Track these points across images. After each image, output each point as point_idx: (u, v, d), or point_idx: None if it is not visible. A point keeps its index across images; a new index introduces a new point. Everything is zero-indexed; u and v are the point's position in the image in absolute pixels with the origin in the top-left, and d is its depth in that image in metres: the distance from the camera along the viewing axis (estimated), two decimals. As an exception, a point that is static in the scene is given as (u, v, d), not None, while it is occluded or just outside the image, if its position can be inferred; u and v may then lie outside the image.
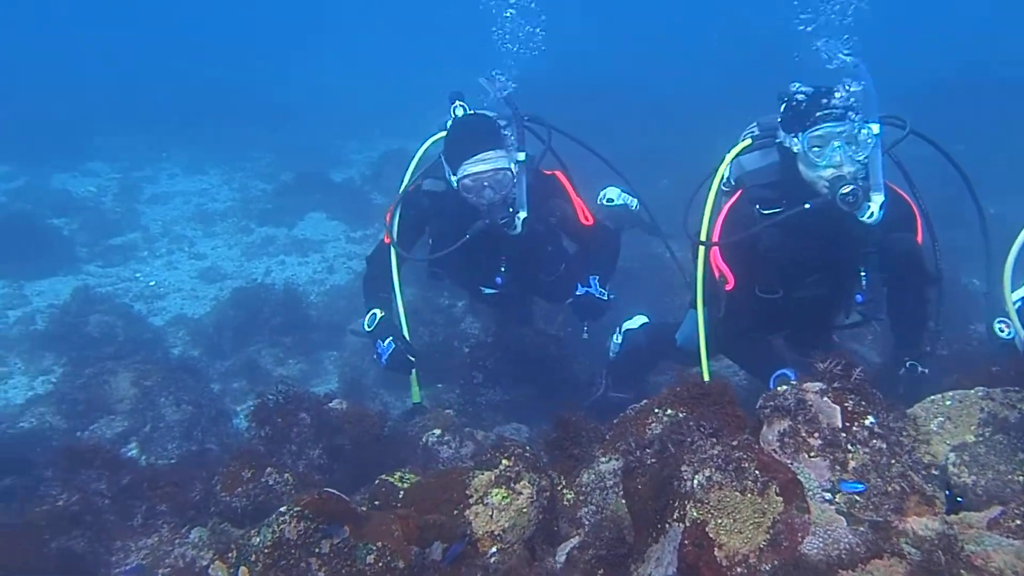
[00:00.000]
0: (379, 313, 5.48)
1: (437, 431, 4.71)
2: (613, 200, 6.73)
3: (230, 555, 2.56)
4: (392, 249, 5.55)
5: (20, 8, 29.22)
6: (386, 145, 15.69)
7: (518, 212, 5.23)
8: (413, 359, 5.41)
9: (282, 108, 17.96)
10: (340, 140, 16.87)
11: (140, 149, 15.59)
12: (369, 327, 5.49)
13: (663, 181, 12.01)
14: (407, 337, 5.49)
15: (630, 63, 19.28)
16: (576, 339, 6.56)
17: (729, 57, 18.64)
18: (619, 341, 6.14)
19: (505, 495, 2.86)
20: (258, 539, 2.56)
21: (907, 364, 4.42)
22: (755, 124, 4.86)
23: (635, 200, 6.70)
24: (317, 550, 2.55)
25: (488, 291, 5.95)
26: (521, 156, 5.26)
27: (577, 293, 5.84)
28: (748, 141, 4.76)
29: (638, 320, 6.20)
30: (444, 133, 5.60)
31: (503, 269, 5.72)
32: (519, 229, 5.25)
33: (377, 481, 3.24)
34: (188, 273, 10.50)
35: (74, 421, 6.18)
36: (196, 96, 18.13)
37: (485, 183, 5.12)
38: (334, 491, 2.68)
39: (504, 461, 2.97)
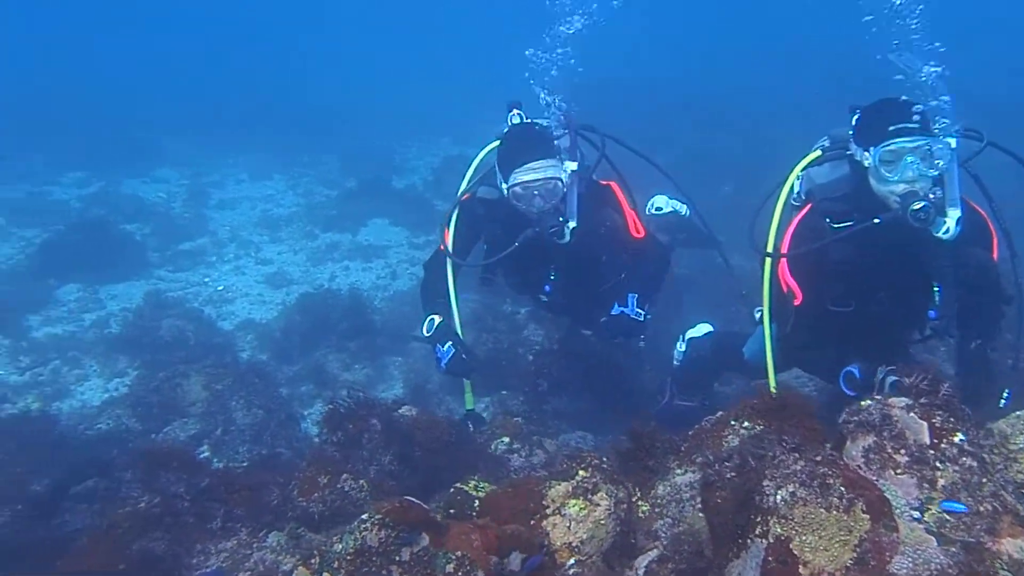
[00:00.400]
0: (437, 319, 5.53)
1: (506, 439, 4.73)
2: (662, 208, 6.69)
3: (313, 561, 2.60)
4: (447, 255, 5.60)
5: (92, 20, 29.97)
6: (446, 151, 15.85)
7: (568, 222, 5.24)
8: (471, 363, 5.44)
9: (345, 114, 18.19)
10: (402, 146, 17.07)
11: (208, 155, 15.92)
12: (428, 332, 5.53)
13: (724, 187, 11.96)
14: (464, 342, 5.51)
15: (687, 66, 19.19)
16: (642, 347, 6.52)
17: (792, 62, 18.43)
18: (683, 349, 6.10)
19: (583, 506, 2.86)
20: (340, 546, 2.59)
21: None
22: (826, 137, 4.80)
23: (685, 206, 6.66)
24: (398, 558, 2.57)
25: (542, 298, 5.98)
26: (572, 166, 5.27)
27: (612, 312, 5.73)
28: (817, 153, 4.70)
29: (702, 328, 6.14)
30: (497, 143, 5.65)
31: (552, 277, 5.73)
32: (567, 238, 5.26)
33: (452, 489, 3.25)
34: (255, 278, 10.68)
35: (149, 423, 6.30)
36: (261, 102, 18.45)
37: (535, 192, 5.15)
38: (414, 499, 2.71)
39: (581, 472, 2.97)
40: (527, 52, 5.90)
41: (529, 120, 5.64)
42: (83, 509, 4.08)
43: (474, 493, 3.24)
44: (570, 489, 2.92)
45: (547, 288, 5.80)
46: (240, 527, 3.60)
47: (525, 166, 5.12)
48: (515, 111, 5.67)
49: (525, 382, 6.45)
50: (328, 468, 3.60)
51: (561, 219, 5.21)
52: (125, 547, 3.47)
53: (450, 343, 5.39)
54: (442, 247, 5.66)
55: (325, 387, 7.61)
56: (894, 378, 3.49)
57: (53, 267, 10.27)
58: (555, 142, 5.33)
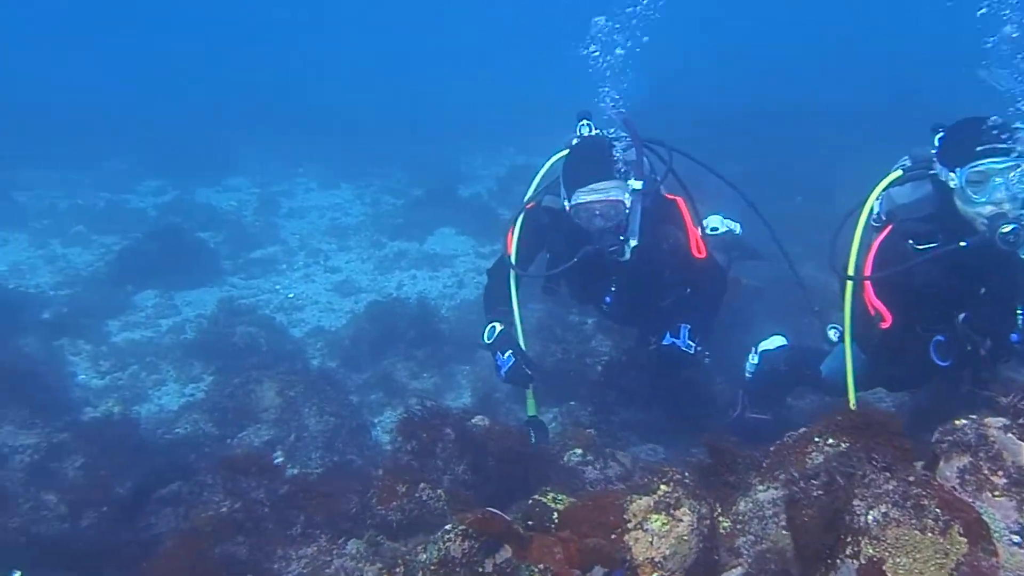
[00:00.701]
0: (498, 326, 5.51)
1: (579, 450, 4.72)
2: (717, 229, 6.63)
3: (397, 570, 2.62)
4: (510, 264, 5.60)
5: (168, 35, 30.73)
6: (511, 160, 15.90)
7: (628, 240, 5.22)
8: (531, 373, 5.43)
9: (411, 123, 18.34)
10: (467, 155, 17.19)
11: (277, 164, 16.20)
12: (488, 340, 5.53)
13: (796, 198, 11.80)
14: (525, 350, 5.49)
15: (748, 80, 19.03)
16: (713, 357, 6.45)
17: (856, 75, 18.21)
18: (755, 362, 6.03)
19: (665, 521, 2.85)
20: (424, 556, 2.61)
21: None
22: (906, 157, 4.70)
23: (738, 225, 6.60)
24: (481, 569, 2.59)
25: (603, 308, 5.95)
26: (637, 185, 5.21)
27: (663, 342, 5.60)
28: (898, 173, 4.61)
29: (775, 341, 6.07)
30: (564, 152, 5.64)
31: (613, 289, 5.69)
32: (627, 256, 5.24)
33: (530, 501, 3.26)
34: (324, 286, 10.81)
35: (224, 428, 6.43)
36: (329, 112, 18.72)
37: (596, 212, 5.12)
38: (496, 511, 2.72)
39: (662, 487, 2.96)
40: (592, 50, 5.91)
41: (597, 131, 5.62)
42: (167, 512, 4.18)
43: (552, 505, 3.24)
44: (652, 504, 2.91)
45: (608, 299, 5.78)
46: (320, 533, 3.66)
47: (588, 187, 5.09)
48: (585, 121, 5.66)
49: (593, 393, 6.44)
50: (406, 477, 3.64)
51: (622, 238, 5.20)
52: (208, 551, 3.54)
53: (510, 352, 5.38)
54: (505, 254, 5.68)
55: (394, 395, 7.68)
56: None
57: (131, 274, 10.54)
58: (621, 158, 5.28)
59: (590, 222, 5.15)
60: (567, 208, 5.22)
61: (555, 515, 3.17)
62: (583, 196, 5.10)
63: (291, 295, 10.45)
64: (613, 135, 5.65)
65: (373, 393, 7.71)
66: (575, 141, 5.61)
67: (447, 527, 2.64)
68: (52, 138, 15.41)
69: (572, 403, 6.67)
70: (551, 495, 3.31)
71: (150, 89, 21.17)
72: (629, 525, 2.89)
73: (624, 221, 5.21)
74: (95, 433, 5.94)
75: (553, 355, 7.15)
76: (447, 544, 2.60)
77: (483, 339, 5.59)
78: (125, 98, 19.75)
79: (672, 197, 5.65)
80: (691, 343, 5.55)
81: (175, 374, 8.33)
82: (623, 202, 5.12)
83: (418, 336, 8.31)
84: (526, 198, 5.80)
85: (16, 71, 22.45)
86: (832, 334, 4.87)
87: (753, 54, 23.38)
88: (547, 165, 5.82)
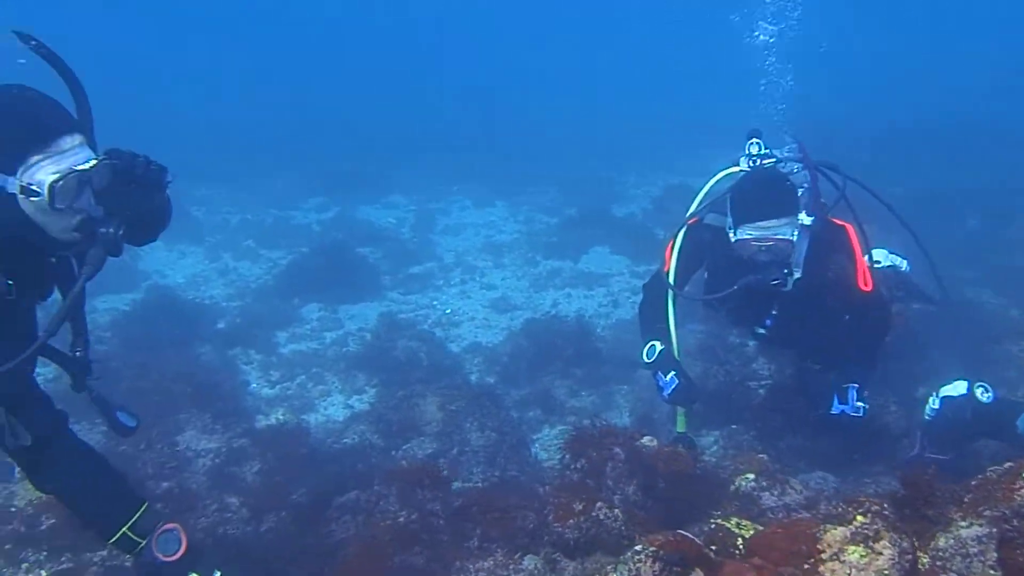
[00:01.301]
0: (658, 345, 5.41)
1: (751, 475, 4.60)
2: (880, 262, 6.30)
3: (588, 589, 2.61)
4: (667, 283, 5.49)
5: (325, 58, 31.98)
6: (666, 180, 15.75)
7: (792, 272, 5.06)
8: (695, 393, 5.33)
9: (564, 143, 18.45)
10: (620, 175, 17.14)
11: (433, 183, 16.59)
12: (648, 358, 5.44)
13: (970, 221, 11.26)
14: (686, 371, 5.39)
15: (922, 94, 18.27)
16: (883, 386, 6.19)
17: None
18: (936, 406, 5.71)
19: (864, 554, 2.73)
20: (615, 575, 2.60)
21: None
22: None
23: (905, 261, 6.28)
24: (671, 593, 2.55)
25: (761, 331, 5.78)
26: (807, 221, 5.07)
27: (832, 411, 5.41)
28: None
29: (958, 387, 5.68)
30: (735, 169, 5.52)
31: (773, 313, 5.54)
32: (789, 288, 5.09)
33: (713, 525, 3.20)
34: (480, 303, 10.98)
35: (389, 440, 6.58)
36: (483, 131, 19.06)
37: (762, 248, 4.99)
38: (687, 533, 2.68)
39: (859, 517, 2.84)
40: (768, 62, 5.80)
41: (767, 150, 5.49)
42: (347, 520, 4.30)
43: (736, 531, 3.18)
44: (848, 535, 2.80)
45: (768, 322, 5.62)
46: (496, 548, 3.68)
47: (756, 223, 4.96)
48: (755, 140, 5.53)
49: (757, 417, 6.28)
50: (583, 495, 3.62)
51: (785, 271, 5.04)
52: (388, 559, 3.62)
53: (673, 372, 5.29)
54: (663, 270, 5.58)
55: (552, 413, 7.70)
56: None
57: (297, 287, 11.01)
58: (794, 189, 5.14)
59: (754, 256, 5.04)
60: (731, 238, 5.11)
61: (739, 541, 3.10)
62: (750, 231, 4.98)
63: (448, 311, 10.65)
64: (784, 156, 5.52)
65: (531, 410, 7.74)
66: (744, 161, 5.50)
67: (637, 547, 2.62)
68: (223, 156, 16.26)
69: (734, 427, 6.53)
70: (734, 520, 3.25)
71: (314, 110, 22.10)
72: (824, 556, 2.78)
73: (790, 255, 5.07)
74: (270, 440, 6.18)
75: (715, 377, 7.01)
76: (637, 565, 2.58)
77: (642, 357, 5.51)
78: (289, 119, 20.65)
79: (841, 223, 5.44)
80: (860, 404, 5.36)
81: (340, 385, 8.61)
82: (791, 241, 4.98)
83: (576, 354, 8.32)
84: (689, 213, 5.72)
85: (189, 93, 23.77)
86: (980, 393, 4.64)
87: (914, 67, 22.46)
88: (712, 182, 5.70)
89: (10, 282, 3.05)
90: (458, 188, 16.46)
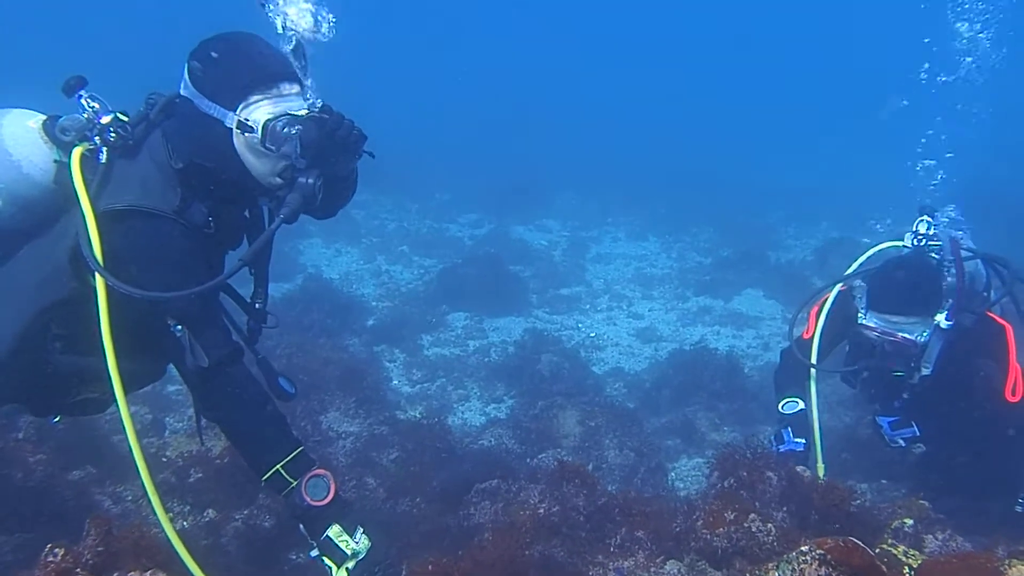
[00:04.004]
0: (800, 404, 5.10)
1: (909, 520, 4.30)
2: None
3: (745, 587, 2.46)
4: (808, 345, 5.14)
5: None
6: (825, 234, 15.28)
7: (919, 369, 4.73)
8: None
9: (724, 188, 18.11)
10: (780, 224, 16.77)
11: (589, 212, 16.62)
12: (785, 412, 5.14)
13: None
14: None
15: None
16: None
17: None
18: None
19: (1057, 595, 2.48)
20: (776, 574, 2.44)
21: None
22: None
23: None
24: (837, 604, 2.37)
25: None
26: (944, 324, 4.63)
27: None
28: None
29: None
30: (898, 243, 5.16)
31: (905, 396, 5.08)
32: (915, 381, 4.76)
33: (879, 551, 2.98)
34: (626, 330, 10.86)
35: (527, 447, 6.52)
36: (644, 168, 18.96)
37: (885, 340, 4.66)
38: (859, 541, 2.48)
39: (1054, 557, 2.59)
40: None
41: (935, 235, 5.07)
42: (486, 505, 4.25)
43: (904, 559, 2.96)
44: (1040, 573, 2.55)
45: (897, 405, 5.20)
46: (638, 549, 3.55)
47: (883, 315, 4.64)
48: (925, 218, 5.04)
49: (911, 474, 5.93)
50: (736, 505, 3.46)
51: (912, 364, 4.72)
52: (526, 547, 3.53)
53: (804, 440, 4.97)
54: (805, 335, 5.23)
55: (691, 444, 7.49)
56: None
57: (446, 295, 11.17)
58: (939, 291, 4.72)
59: (876, 344, 4.72)
60: (858, 320, 4.77)
61: (906, 570, 2.88)
62: (874, 320, 4.67)
63: (593, 334, 10.58)
64: (951, 240, 5.10)
65: (670, 439, 7.54)
66: (909, 238, 5.13)
67: (803, 548, 2.44)
68: (391, 166, 16.70)
69: (884, 481, 6.19)
70: (901, 548, 3.03)
71: (493, 128, 22.57)
72: (1008, 592, 2.54)
73: (916, 353, 4.72)
74: (409, 431, 6.20)
75: (868, 427, 6.64)
76: (802, 566, 2.41)
77: (779, 408, 5.23)
78: (458, 137, 21.13)
79: (1002, 322, 4.89)
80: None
81: (479, 392, 8.65)
82: (915, 342, 4.62)
83: (723, 388, 8.08)
84: (841, 277, 5.32)
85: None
86: None
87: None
88: (872, 251, 5.33)
89: (211, 218, 3.19)
90: (612, 220, 16.43)
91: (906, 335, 4.61)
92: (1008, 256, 5.09)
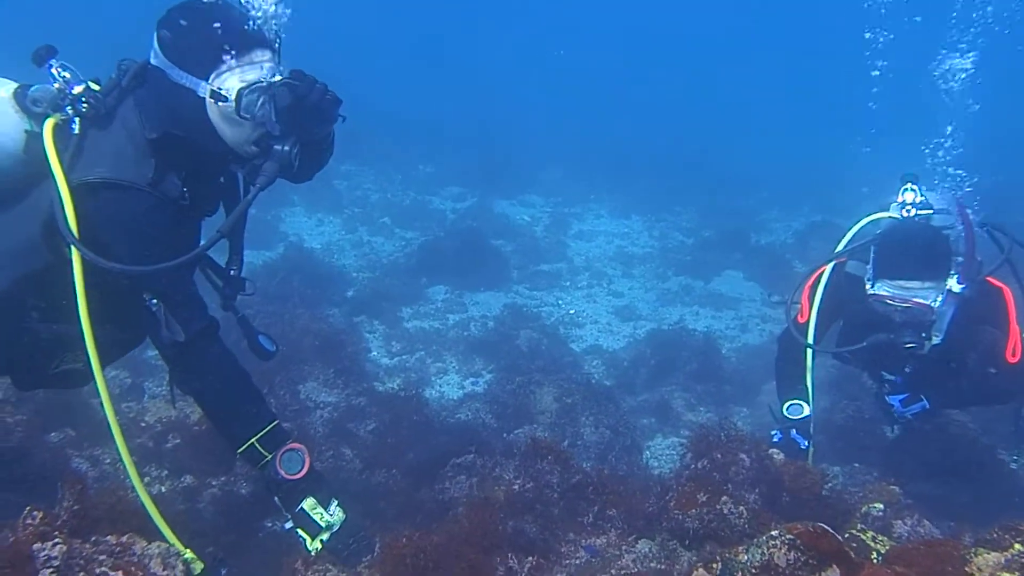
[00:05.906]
0: (805, 409, 5.16)
1: (879, 504, 4.37)
2: None
3: (714, 566, 2.50)
4: (806, 329, 5.15)
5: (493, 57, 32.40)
6: (808, 217, 15.33)
7: (930, 339, 4.72)
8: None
9: (708, 169, 18.12)
10: (763, 206, 16.82)
11: (573, 189, 16.54)
12: (791, 416, 5.17)
13: None
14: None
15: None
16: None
17: None
18: None
19: (1020, 582, 2.54)
20: (746, 557, 2.48)
21: None
22: None
23: None
24: (805, 586, 2.41)
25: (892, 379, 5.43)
26: (956, 288, 4.63)
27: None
28: None
29: None
30: (883, 215, 5.13)
31: (906, 370, 5.18)
32: (924, 351, 4.75)
33: (847, 535, 3.03)
34: (605, 308, 10.91)
35: (503, 422, 6.55)
36: (628, 146, 18.91)
37: (897, 309, 4.63)
38: (827, 527, 2.53)
39: (1017, 545, 2.63)
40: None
41: (924, 202, 5.09)
42: (461, 480, 4.29)
43: (872, 544, 3.01)
44: (1003, 561, 2.59)
45: (898, 379, 5.27)
46: (611, 527, 3.59)
47: (897, 282, 4.60)
48: (910, 185, 5.00)
49: (884, 459, 6.01)
50: (709, 487, 3.50)
51: (923, 335, 4.68)
52: (500, 522, 3.56)
53: (810, 442, 5.06)
54: (801, 318, 5.22)
55: (666, 423, 7.57)
56: None
57: (427, 267, 11.16)
58: (948, 255, 4.71)
59: (888, 315, 4.70)
60: (868, 291, 4.76)
61: (874, 555, 2.93)
62: (886, 288, 4.63)
63: (572, 311, 10.61)
64: (941, 209, 5.12)
65: (646, 417, 7.61)
66: (895, 208, 5.13)
67: (773, 532, 2.48)
68: (376, 137, 16.57)
69: (856, 465, 6.28)
70: (870, 534, 3.08)
71: (479, 101, 22.41)
72: (972, 579, 2.59)
73: (929, 320, 4.71)
74: (386, 403, 6.22)
75: (843, 411, 6.74)
76: (771, 550, 2.45)
77: (781, 411, 5.24)
78: (444, 110, 20.97)
79: (999, 285, 4.96)
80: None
81: (457, 366, 8.68)
82: (931, 307, 4.60)
83: (700, 369, 8.16)
84: (830, 256, 5.33)
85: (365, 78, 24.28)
86: None
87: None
88: (857, 226, 5.29)
89: (185, 189, 3.18)
90: (595, 197, 16.38)
91: (920, 299, 4.58)
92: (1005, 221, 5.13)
